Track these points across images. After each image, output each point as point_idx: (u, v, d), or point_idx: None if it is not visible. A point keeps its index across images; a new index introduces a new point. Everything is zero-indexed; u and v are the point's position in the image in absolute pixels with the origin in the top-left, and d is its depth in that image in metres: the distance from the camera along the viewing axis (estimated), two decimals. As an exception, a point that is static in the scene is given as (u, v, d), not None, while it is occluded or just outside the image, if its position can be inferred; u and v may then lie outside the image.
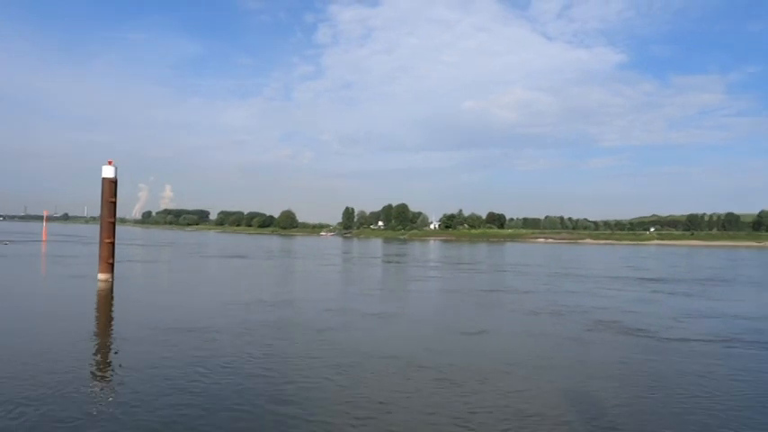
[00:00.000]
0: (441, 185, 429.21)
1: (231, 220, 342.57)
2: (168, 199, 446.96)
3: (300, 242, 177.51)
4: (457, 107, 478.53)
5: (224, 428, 14.17)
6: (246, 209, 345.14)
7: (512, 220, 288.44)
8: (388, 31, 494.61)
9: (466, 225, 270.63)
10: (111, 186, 45.72)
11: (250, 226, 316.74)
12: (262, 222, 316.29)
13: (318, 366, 20.37)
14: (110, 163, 45.73)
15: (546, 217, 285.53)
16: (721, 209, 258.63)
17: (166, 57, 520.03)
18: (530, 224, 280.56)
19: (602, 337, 27.24)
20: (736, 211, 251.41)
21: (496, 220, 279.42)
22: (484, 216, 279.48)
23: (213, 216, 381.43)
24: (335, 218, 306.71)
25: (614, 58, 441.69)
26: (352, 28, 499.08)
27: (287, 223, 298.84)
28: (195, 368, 19.41)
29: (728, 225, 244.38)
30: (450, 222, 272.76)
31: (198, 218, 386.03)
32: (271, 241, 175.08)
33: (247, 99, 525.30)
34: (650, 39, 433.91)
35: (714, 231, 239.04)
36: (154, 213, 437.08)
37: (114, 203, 46.33)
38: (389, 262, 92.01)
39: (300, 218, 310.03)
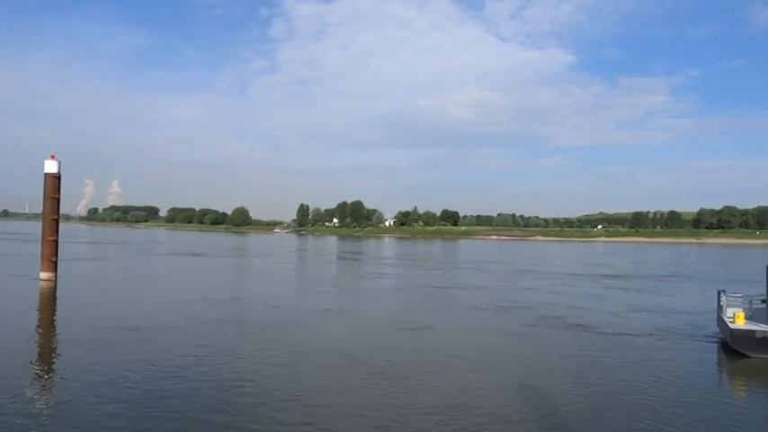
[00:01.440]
0: (396, 183, 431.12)
1: (182, 217, 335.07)
2: (116, 195, 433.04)
3: (254, 240, 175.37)
4: (412, 105, 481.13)
5: (165, 428, 14.13)
6: (198, 206, 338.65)
7: (465, 217, 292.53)
8: (343, 27, 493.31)
9: (420, 222, 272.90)
10: (54, 182, 44.25)
11: (202, 223, 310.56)
12: (214, 219, 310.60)
13: (258, 363, 20.43)
14: (52, 158, 44.24)
15: (498, 215, 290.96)
16: (664, 207, 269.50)
17: (113, 48, 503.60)
18: (483, 222, 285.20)
19: (542, 332, 28.04)
20: (678, 209, 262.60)
21: (450, 217, 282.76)
22: (438, 213, 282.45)
23: (163, 213, 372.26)
24: (290, 215, 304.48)
25: (565, 60, 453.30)
26: (308, 23, 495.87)
27: (240, 220, 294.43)
28: (136, 369, 19.09)
29: (671, 222, 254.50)
30: (404, 220, 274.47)
31: (147, 215, 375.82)
32: (223, 239, 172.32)
33: (199, 94, 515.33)
34: (600, 41, 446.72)
35: (657, 229, 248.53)
36: (100, 210, 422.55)
37: (58, 200, 44.85)
38: (344, 259, 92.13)
39: (254, 215, 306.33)
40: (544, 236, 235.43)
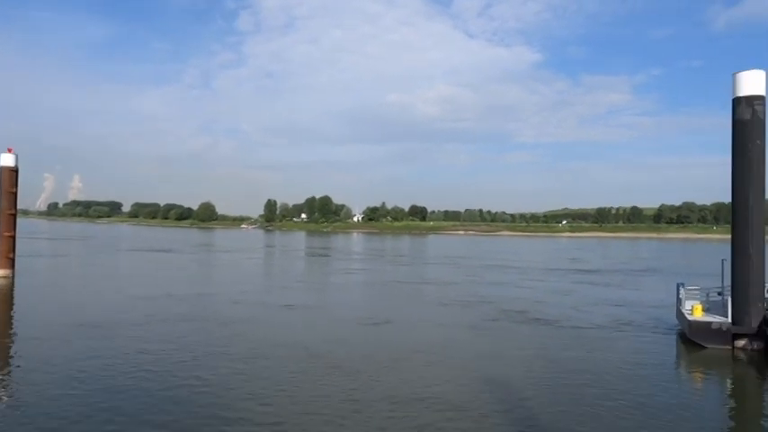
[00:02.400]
0: (364, 178, 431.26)
1: (146, 213, 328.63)
2: (77, 190, 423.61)
3: (220, 235, 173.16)
4: (381, 100, 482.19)
5: (124, 424, 13.86)
6: (163, 201, 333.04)
7: (433, 212, 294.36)
8: (311, 21, 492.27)
9: (389, 218, 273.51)
10: (11, 176, 42.89)
11: (167, 219, 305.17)
12: (179, 215, 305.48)
13: (215, 359, 20.23)
14: (9, 151, 42.87)
15: (466, 210, 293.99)
16: (626, 203, 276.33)
17: (75, 39, 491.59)
18: (450, 217, 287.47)
19: (505, 326, 28.39)
20: (640, 205, 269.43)
21: (419, 212, 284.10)
22: (406, 209, 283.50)
23: (126, 208, 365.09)
24: (257, 210, 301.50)
25: (531, 58, 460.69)
26: (275, 16, 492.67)
27: (206, 216, 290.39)
28: (91, 367, 18.70)
29: (633, 218, 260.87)
30: (373, 215, 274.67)
31: (110, 210, 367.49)
32: (189, 234, 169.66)
33: (164, 86, 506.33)
34: (565, 40, 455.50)
35: (620, 224, 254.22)
36: (61, 205, 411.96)
37: (15, 194, 43.51)
38: (312, 255, 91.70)
39: (220, 210, 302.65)
40: (511, 231, 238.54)
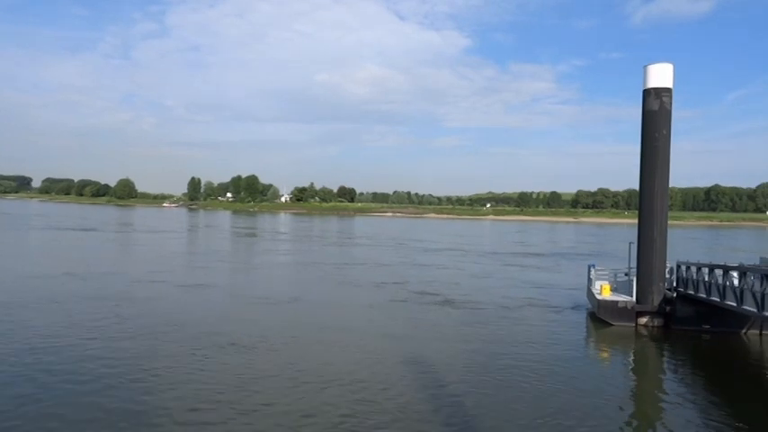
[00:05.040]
0: (292, 158, 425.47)
1: (59, 189, 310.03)
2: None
3: (140, 213, 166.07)
4: (310, 79, 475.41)
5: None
6: (77, 176, 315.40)
7: (362, 194, 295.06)
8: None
9: (317, 198, 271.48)
10: None
11: (82, 195, 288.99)
12: (95, 191, 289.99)
13: (109, 340, 19.68)
14: None
15: (394, 192, 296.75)
16: (546, 188, 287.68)
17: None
18: (379, 199, 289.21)
19: (412, 307, 28.72)
20: (559, 190, 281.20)
21: (347, 194, 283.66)
22: (335, 190, 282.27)
23: (36, 183, 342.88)
24: (180, 188, 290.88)
25: (462, 43, 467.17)
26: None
27: (125, 193, 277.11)
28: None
29: (552, 202, 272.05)
30: (301, 195, 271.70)
31: (17, 185, 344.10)
32: (106, 212, 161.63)
33: (80, 54, 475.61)
34: (494, 27, 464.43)
35: (540, 208, 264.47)
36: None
37: None
38: (237, 235, 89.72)
39: (140, 187, 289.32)
40: (437, 213, 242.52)
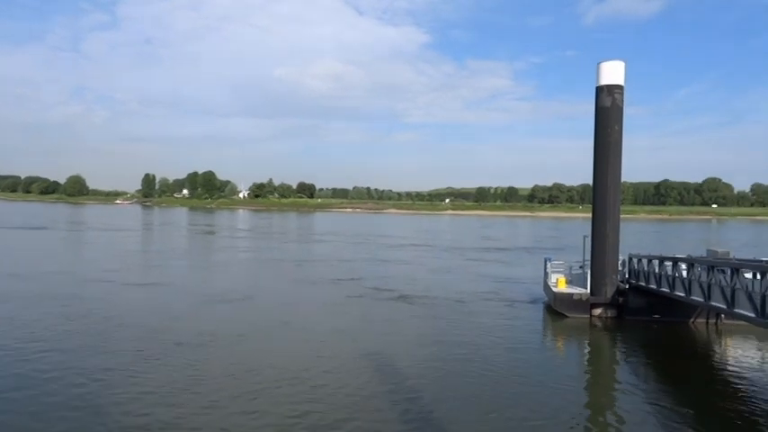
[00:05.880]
0: (250, 154, 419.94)
1: (4, 186, 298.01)
2: None
3: (92, 211, 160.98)
4: (268, 74, 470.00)
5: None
6: (24, 173, 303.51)
7: (321, 190, 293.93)
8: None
9: (276, 195, 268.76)
10: None
11: (29, 192, 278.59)
12: (44, 188, 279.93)
13: (47, 339, 19.29)
14: None
15: (354, 188, 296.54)
16: (504, 183, 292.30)
17: None
18: (339, 194, 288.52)
19: (367, 303, 28.64)
20: (516, 185, 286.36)
21: (306, 189, 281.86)
22: (294, 186, 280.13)
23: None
24: (134, 185, 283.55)
25: (420, 39, 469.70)
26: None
27: (75, 190, 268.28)
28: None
29: (509, 197, 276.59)
30: (259, 192, 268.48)
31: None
32: (56, 210, 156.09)
33: (25, 45, 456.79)
34: (452, 23, 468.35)
35: (498, 203, 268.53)
36: None
37: None
38: (193, 232, 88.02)
39: (92, 184, 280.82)
40: (397, 209, 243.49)
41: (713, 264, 18.45)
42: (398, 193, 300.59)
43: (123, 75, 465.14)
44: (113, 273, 36.58)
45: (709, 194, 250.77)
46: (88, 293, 28.64)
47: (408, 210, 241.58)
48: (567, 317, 25.36)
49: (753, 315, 15.15)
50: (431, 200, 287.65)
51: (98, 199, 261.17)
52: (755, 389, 16.22)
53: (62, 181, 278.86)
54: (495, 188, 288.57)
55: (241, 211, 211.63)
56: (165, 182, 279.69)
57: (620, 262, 26.75)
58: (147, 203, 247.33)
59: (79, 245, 61.36)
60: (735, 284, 16.46)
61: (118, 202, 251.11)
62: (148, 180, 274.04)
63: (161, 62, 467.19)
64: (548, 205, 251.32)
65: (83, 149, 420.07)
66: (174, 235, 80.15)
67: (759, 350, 20.86)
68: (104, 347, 18.44)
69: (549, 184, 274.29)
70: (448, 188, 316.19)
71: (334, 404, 13.85)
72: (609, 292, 25.57)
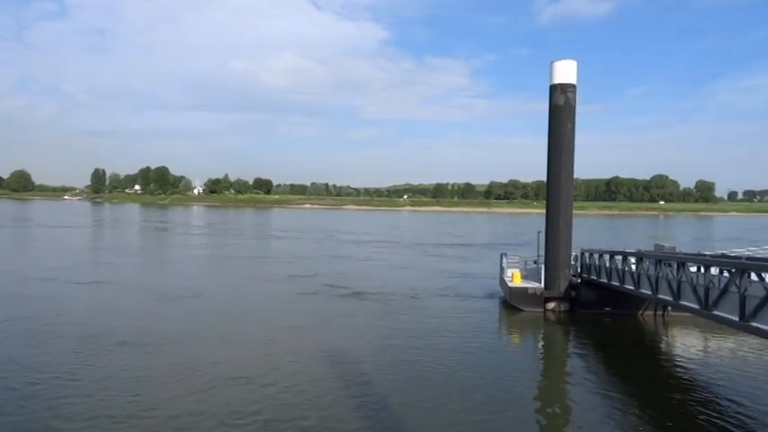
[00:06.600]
0: (206, 149, 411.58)
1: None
2: None
3: (38, 207, 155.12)
4: (225, 67, 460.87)
5: None
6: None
7: (279, 186, 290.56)
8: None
9: (232, 190, 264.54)
10: None
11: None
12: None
13: None
14: None
15: (312, 183, 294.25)
16: (461, 179, 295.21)
17: None
18: (297, 190, 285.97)
19: (322, 299, 28.42)
20: (472, 181, 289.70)
21: (264, 185, 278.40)
22: (251, 181, 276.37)
23: None
24: (83, 181, 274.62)
25: (379, 35, 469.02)
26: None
27: (20, 185, 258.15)
28: None
29: (466, 193, 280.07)
30: (215, 187, 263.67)
31: None
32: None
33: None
34: (411, 20, 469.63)
35: (455, 199, 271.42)
36: None
37: None
38: (145, 229, 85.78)
39: (38, 179, 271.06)
40: (356, 205, 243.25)
41: (660, 258, 19.08)
42: (357, 190, 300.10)
43: (72, 66, 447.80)
44: (58, 271, 35.32)
45: (656, 191, 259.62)
46: (30, 292, 27.62)
47: (367, 206, 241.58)
48: (522, 311, 25.82)
49: (697, 307, 15.73)
50: (389, 196, 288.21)
51: (45, 195, 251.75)
52: (700, 377, 16.91)
53: (6, 176, 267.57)
54: (453, 184, 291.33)
55: (196, 207, 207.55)
56: (115, 177, 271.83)
57: (572, 257, 27.39)
58: (97, 199, 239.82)
59: (22, 242, 59.00)
60: (680, 278, 17.05)
61: (66, 197, 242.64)
62: (98, 175, 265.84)
63: (113, 54, 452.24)
64: (504, 201, 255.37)
65: (28, 143, 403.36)
66: (124, 232, 77.93)
67: (703, 340, 21.73)
68: (40, 349, 17.73)
69: (505, 180, 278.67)
70: (406, 184, 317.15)
71: (284, 404, 13.58)
72: (562, 286, 26.15)
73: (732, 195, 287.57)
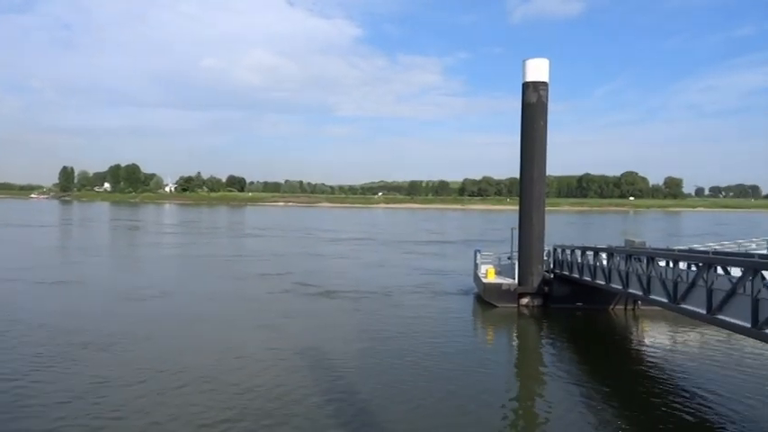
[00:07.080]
0: (178, 146, 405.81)
1: None
2: None
3: (3, 206, 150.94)
4: (196, 64, 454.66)
5: None
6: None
7: (252, 183, 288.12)
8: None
9: (205, 188, 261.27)
10: None
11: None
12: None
13: None
14: None
15: (286, 181, 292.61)
16: (435, 177, 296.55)
17: None
18: (270, 188, 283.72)
19: (293, 297, 28.36)
20: (446, 178, 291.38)
21: (237, 183, 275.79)
22: (224, 179, 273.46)
23: None
24: (50, 179, 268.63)
25: (352, 32, 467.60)
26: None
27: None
28: None
29: (440, 191, 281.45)
30: (187, 185, 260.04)
31: None
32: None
33: None
34: (384, 17, 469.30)
35: (429, 196, 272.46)
36: None
37: None
38: (114, 228, 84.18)
39: (3, 178, 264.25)
40: (330, 203, 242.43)
41: (630, 253, 19.43)
42: (331, 187, 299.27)
43: (38, 62, 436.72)
44: (23, 271, 34.57)
45: (626, 187, 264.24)
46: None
47: (342, 203, 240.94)
48: (496, 306, 26.04)
49: (666, 301, 16.07)
50: (364, 193, 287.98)
51: (10, 193, 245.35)
52: (669, 368, 17.29)
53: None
54: (427, 182, 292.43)
55: (167, 205, 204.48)
56: (84, 175, 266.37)
57: (545, 253, 27.71)
58: (66, 198, 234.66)
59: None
60: (650, 272, 17.39)
61: (33, 196, 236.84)
62: (67, 173, 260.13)
63: (80, 49, 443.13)
64: (477, 198, 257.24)
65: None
66: (93, 231, 76.41)
67: (672, 333, 22.21)
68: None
69: (479, 177, 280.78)
70: (380, 181, 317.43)
71: (252, 405, 13.36)
72: (535, 281, 26.45)
73: (699, 191, 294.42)
